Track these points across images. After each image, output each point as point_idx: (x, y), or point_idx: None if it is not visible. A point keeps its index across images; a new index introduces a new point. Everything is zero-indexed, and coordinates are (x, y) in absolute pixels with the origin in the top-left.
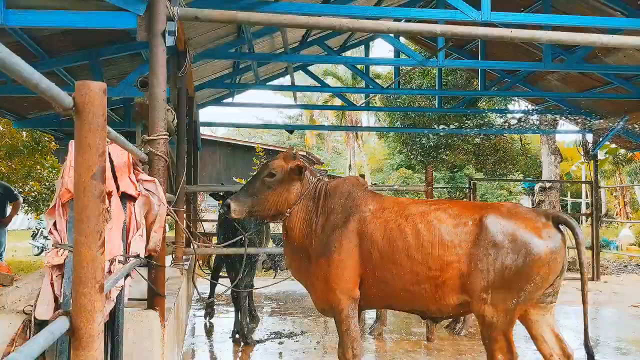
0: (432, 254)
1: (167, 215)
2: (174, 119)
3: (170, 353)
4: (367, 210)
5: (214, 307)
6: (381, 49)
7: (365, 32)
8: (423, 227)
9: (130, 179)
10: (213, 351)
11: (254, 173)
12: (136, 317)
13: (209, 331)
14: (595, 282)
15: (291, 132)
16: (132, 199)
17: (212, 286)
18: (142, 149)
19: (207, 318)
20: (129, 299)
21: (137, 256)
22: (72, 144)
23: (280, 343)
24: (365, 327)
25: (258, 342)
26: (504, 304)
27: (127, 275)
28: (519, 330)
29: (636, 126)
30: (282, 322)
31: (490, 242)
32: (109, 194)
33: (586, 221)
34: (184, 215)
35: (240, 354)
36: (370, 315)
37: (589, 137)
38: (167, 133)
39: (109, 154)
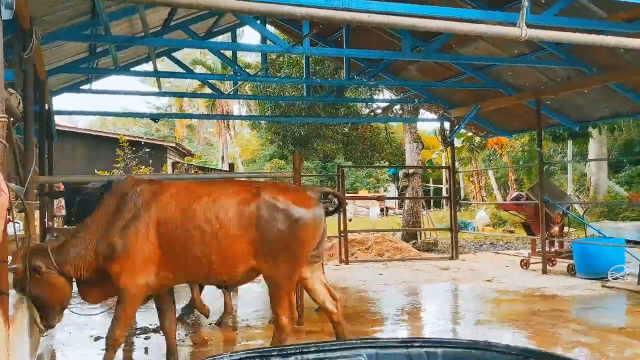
0: (222, 229)
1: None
2: (19, 103)
3: (19, 355)
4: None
5: None
6: (250, 39)
7: (226, 12)
8: (210, 206)
9: None
10: (72, 353)
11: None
12: None
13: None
14: (455, 260)
15: (156, 120)
16: None
17: None
18: None
19: None
20: None
21: None
22: None
23: (147, 338)
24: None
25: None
26: (285, 266)
27: None
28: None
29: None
30: (150, 317)
31: (267, 214)
32: None
33: (446, 205)
34: (36, 207)
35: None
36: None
37: (447, 125)
38: (6, 115)
39: None
